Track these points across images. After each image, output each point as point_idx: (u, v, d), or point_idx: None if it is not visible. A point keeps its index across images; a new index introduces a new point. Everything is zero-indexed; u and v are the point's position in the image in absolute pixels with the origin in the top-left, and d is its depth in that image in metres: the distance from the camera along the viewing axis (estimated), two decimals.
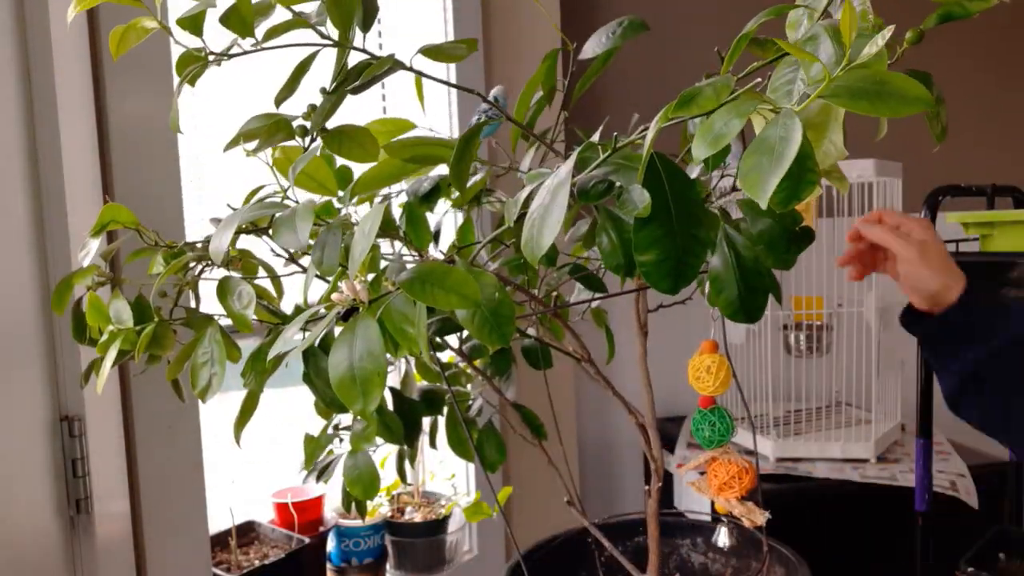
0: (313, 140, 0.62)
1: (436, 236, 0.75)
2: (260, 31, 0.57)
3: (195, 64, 0.58)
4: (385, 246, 0.70)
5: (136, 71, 0.93)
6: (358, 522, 1.25)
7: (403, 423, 0.70)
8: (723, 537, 0.78)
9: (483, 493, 1.43)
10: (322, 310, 0.53)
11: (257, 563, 1.09)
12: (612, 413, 1.86)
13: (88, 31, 0.90)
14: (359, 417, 0.66)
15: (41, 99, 0.87)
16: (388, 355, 0.50)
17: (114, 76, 0.92)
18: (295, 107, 0.63)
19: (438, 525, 1.33)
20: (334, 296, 0.51)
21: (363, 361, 0.48)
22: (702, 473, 0.84)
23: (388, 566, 1.32)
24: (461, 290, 0.48)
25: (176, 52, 0.58)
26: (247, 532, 1.18)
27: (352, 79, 0.58)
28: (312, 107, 0.62)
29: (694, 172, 0.63)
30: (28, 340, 0.87)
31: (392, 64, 0.58)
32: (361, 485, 0.71)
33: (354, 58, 0.59)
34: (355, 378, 0.48)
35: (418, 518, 1.33)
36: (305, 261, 0.68)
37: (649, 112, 0.50)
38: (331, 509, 1.25)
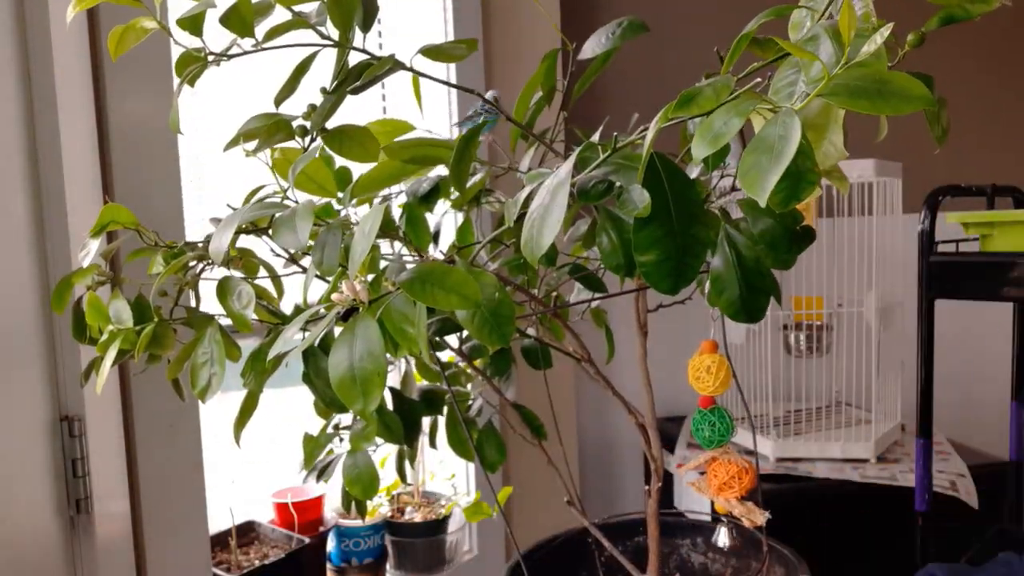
0: (313, 140, 0.62)
1: (436, 236, 0.75)
2: (260, 31, 0.57)
3: (195, 64, 0.58)
4: (385, 246, 0.70)
5: (136, 71, 0.93)
6: (358, 522, 1.25)
7: (403, 423, 0.70)
8: (723, 537, 0.78)
9: (483, 493, 1.43)
10: (322, 310, 0.53)
11: (257, 563, 1.09)
12: (612, 413, 1.86)
13: (88, 31, 0.90)
14: (359, 417, 0.66)
15: (41, 99, 0.87)
16: (388, 355, 0.51)
17: (114, 76, 0.92)
18: (295, 108, 0.63)
19: (438, 525, 1.33)
20: (334, 296, 0.51)
21: (363, 361, 0.48)
22: (702, 473, 0.84)
23: (388, 566, 1.32)
24: (461, 290, 0.48)
25: (176, 52, 0.58)
26: (247, 532, 1.18)
27: (352, 79, 0.58)
28: (312, 107, 0.62)
29: (694, 172, 0.63)
30: (28, 340, 0.87)
31: (392, 64, 0.58)
32: (360, 485, 0.71)
33: (354, 58, 0.59)
34: (355, 378, 0.48)
35: (418, 518, 1.33)
36: (306, 261, 0.68)
37: (649, 112, 0.50)
38: (331, 509, 1.25)
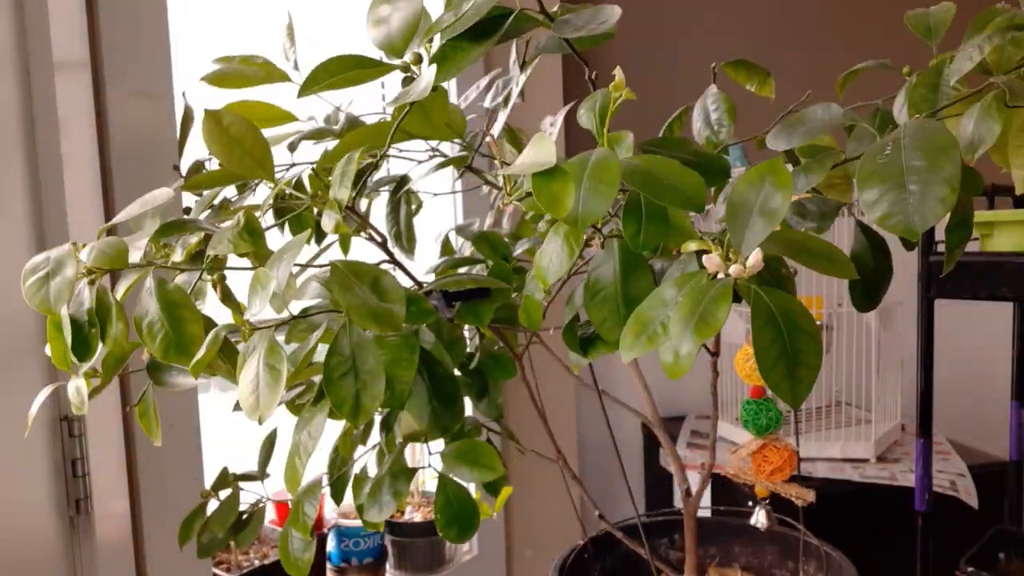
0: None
1: None
2: None
3: None
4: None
5: (136, 72, 0.93)
6: (358, 522, 1.25)
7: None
8: (761, 518, 0.80)
9: (483, 493, 1.43)
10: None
11: (257, 563, 1.09)
12: (612, 413, 1.86)
13: (88, 31, 0.90)
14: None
15: (41, 99, 0.87)
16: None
17: (114, 76, 0.92)
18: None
19: None
20: (710, 264, 0.41)
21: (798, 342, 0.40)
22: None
23: (388, 566, 1.32)
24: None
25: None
26: None
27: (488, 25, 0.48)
28: (417, 56, 0.49)
29: None
30: (28, 340, 0.87)
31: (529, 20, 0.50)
32: (458, 526, 0.61)
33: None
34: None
35: (418, 518, 1.33)
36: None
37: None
38: (331, 509, 1.25)
